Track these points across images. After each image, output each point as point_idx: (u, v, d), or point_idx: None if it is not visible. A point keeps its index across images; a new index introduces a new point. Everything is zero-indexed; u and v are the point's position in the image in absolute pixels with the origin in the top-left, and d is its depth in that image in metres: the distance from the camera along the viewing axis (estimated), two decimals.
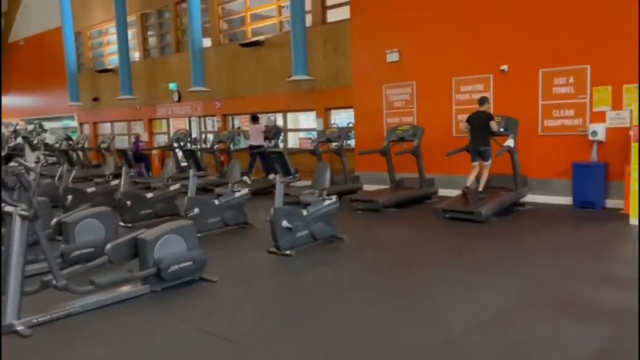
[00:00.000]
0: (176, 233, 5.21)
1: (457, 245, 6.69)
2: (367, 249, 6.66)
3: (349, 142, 13.71)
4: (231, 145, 13.22)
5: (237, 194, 7.89)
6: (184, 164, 14.57)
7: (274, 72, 13.85)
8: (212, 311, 4.55)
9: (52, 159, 18.55)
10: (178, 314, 4.46)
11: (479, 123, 8.43)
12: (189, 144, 14.90)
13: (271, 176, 11.86)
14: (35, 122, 23.22)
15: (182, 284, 5.17)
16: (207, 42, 15.69)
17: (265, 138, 12.46)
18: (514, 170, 8.64)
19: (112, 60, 19.11)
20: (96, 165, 17.97)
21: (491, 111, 8.95)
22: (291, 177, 6.31)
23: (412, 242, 6.94)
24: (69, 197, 9.44)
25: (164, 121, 17.85)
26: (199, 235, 7.36)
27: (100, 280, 4.61)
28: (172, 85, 16.55)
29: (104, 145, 17.52)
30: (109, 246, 4.97)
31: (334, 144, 11.42)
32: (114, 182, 10.13)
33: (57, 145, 18.85)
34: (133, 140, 17.34)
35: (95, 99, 19.83)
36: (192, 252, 5.25)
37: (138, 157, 16.47)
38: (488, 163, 8.47)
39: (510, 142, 8.38)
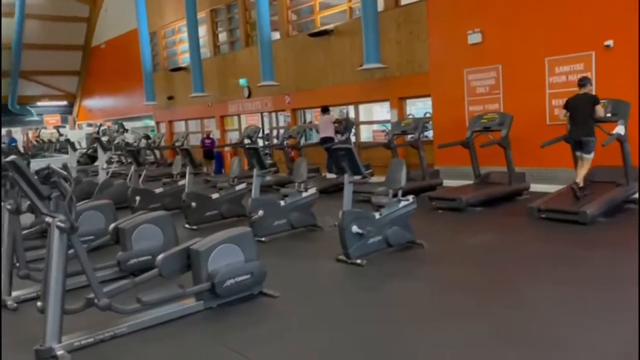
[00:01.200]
0: (233, 242, 4.65)
1: (560, 253, 5.65)
2: (449, 256, 5.80)
3: (426, 133, 12.77)
4: (301, 141, 12.67)
5: (304, 194, 7.26)
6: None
7: (344, 62, 13.13)
8: (269, 336, 3.93)
9: (131, 159, 19.03)
10: (230, 339, 3.87)
11: (581, 108, 7.24)
12: (259, 141, 14.56)
13: (330, 175, 11.15)
14: (117, 122, 24.11)
15: (240, 300, 4.60)
16: (276, 35, 15.25)
17: (336, 132, 11.77)
18: (624, 162, 7.37)
19: (184, 58, 19.21)
20: (171, 164, 18.15)
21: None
22: (360, 177, 5.57)
23: (503, 249, 5.98)
24: (137, 198, 9.26)
25: (236, 118, 17.66)
26: (263, 239, 6.92)
27: (147, 297, 4.13)
28: (242, 81, 16.29)
29: (178, 144, 17.72)
30: (159, 258, 4.49)
31: (409, 137, 10.55)
32: (182, 182, 9.88)
33: (135, 144, 19.33)
34: (203, 137, 17.33)
35: (170, 98, 20.07)
36: (251, 263, 4.66)
37: (208, 155, 16.44)
38: (589, 156, 7.25)
39: (620, 129, 7.14)
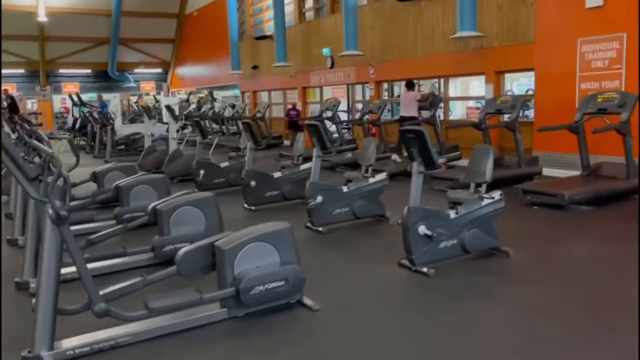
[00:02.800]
0: (266, 241, 3.84)
1: None
2: (542, 271, 4.61)
3: (527, 113, 11.20)
4: (381, 117, 11.59)
5: (372, 180, 6.30)
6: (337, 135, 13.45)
7: (435, 30, 11.75)
8: None
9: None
10: None
11: None
12: (341, 115, 13.65)
13: (394, 156, 10.02)
14: (209, 91, 24.24)
15: (272, 309, 3.82)
16: (362, 1, 14.11)
17: (421, 109, 10.56)
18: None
19: (270, 26, 18.57)
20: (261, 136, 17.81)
21: None
22: (432, 168, 4.51)
23: (615, 266, 4.69)
24: (202, 172, 8.78)
25: (318, 90, 16.85)
26: (320, 229, 6.09)
27: (155, 303, 3.46)
28: (325, 51, 15.37)
29: (259, 115, 17.28)
30: (179, 254, 3.81)
31: (506, 116, 9.15)
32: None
33: (219, 114, 19.19)
34: (288, 108, 16.74)
35: (255, 67, 19.64)
36: (287, 267, 3.84)
37: (292, 126, 15.85)
38: None
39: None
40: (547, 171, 8.84)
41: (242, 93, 21.47)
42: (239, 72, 20.14)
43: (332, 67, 15.35)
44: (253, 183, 7.41)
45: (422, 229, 4.54)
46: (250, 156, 7.62)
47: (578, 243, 5.47)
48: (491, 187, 4.93)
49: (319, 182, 6.21)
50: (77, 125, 18.84)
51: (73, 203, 6.84)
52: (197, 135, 9.37)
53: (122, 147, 16.14)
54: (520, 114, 10.14)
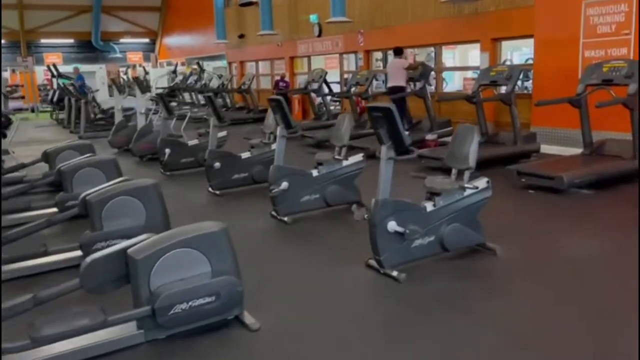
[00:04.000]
0: (194, 247, 3.11)
1: None
2: (534, 276, 3.89)
3: (526, 84, 10.38)
4: (369, 90, 10.76)
5: (345, 163, 5.55)
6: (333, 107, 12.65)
7: None
8: None
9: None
10: None
11: None
12: (326, 87, 12.80)
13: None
14: (195, 62, 23.26)
15: (203, 328, 3.12)
16: None
17: (410, 79, 9.73)
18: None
19: None
20: (239, 108, 17.00)
21: None
22: (404, 153, 3.73)
23: (623, 265, 3.97)
24: (167, 150, 8.02)
25: (306, 60, 15.94)
26: (285, 219, 5.37)
27: (43, 330, 2.75)
28: (312, 17, 14.41)
29: (244, 87, 16.42)
30: (83, 264, 3.09)
31: (503, 89, 8.35)
32: (222, 134, 8.49)
33: (207, 85, 18.28)
34: (276, 79, 15.87)
35: (241, 36, 18.65)
36: (219, 280, 3.11)
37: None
38: None
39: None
40: (545, 148, 8.09)
41: (229, 64, 20.52)
42: (225, 41, 19.16)
43: (319, 35, 14.42)
44: (217, 164, 6.65)
45: (392, 225, 3.81)
46: (214, 134, 6.83)
47: (578, 235, 4.75)
48: (483, 166, 4.20)
49: (284, 166, 5.45)
50: (55, 99, 17.98)
51: (10, 188, 6.13)
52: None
53: (102, 122, 15.34)
54: (519, 86, 9.37)
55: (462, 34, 10.22)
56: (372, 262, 3.98)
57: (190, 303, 3.00)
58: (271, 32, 15.71)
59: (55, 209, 5.56)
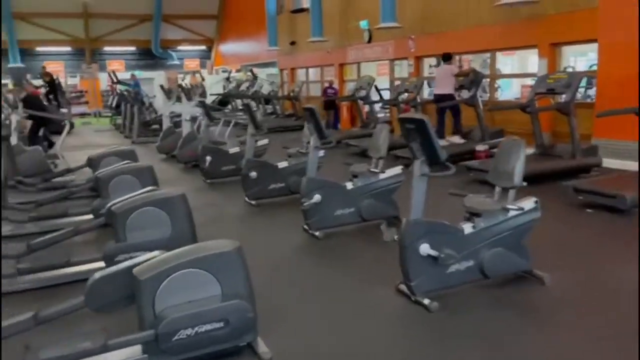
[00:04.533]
0: (204, 268, 2.91)
1: None
2: (588, 311, 3.44)
3: (589, 93, 9.70)
4: (418, 97, 10.36)
5: (382, 176, 5.24)
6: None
7: None
8: None
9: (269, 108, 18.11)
10: None
11: None
12: (375, 94, 12.49)
13: (453, 139, 8.78)
14: (248, 69, 23.49)
15: (213, 355, 2.91)
16: None
17: (461, 87, 9.27)
18: None
19: None
20: (289, 115, 16.94)
21: None
22: (441, 168, 3.40)
23: None
24: (208, 158, 7.95)
25: (355, 66, 15.67)
26: (317, 233, 5.12)
27: (40, 355, 2.61)
28: (362, 23, 14.14)
29: (293, 94, 16.35)
30: (89, 283, 2.95)
31: (562, 97, 7.75)
32: (263, 142, 8.37)
33: (259, 92, 18.38)
34: (325, 86, 15.70)
35: (292, 43, 18.62)
36: (229, 304, 2.89)
37: (328, 106, 14.88)
38: None
39: None
40: (608, 162, 7.45)
41: (281, 70, 20.54)
42: (277, 48, 19.20)
43: (369, 41, 14.13)
44: (254, 174, 6.50)
45: (425, 249, 3.48)
46: (251, 143, 6.69)
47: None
48: (537, 181, 3.80)
49: (317, 178, 5.21)
50: (113, 104, 18.59)
51: (52, 193, 6.21)
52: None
53: (157, 127, 15.67)
54: (581, 94, 8.74)
55: (518, 39, 9.66)
56: (403, 287, 3.66)
57: (196, 328, 2.79)
58: (321, 39, 15.57)
59: (91, 216, 5.57)
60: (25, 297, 3.88)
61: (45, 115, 9.71)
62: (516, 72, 12.42)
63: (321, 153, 5.80)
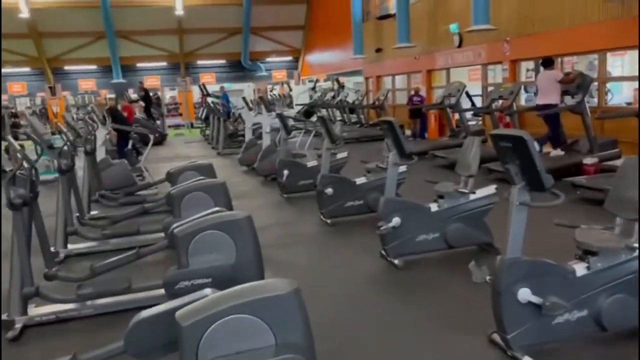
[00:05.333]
0: (254, 314, 2.49)
1: None
2: None
3: None
4: (513, 105, 9.44)
5: (472, 197, 4.59)
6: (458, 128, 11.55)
7: None
8: None
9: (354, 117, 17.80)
10: None
11: None
12: (465, 102, 11.68)
13: (553, 152, 7.76)
14: (333, 78, 23.33)
15: None
16: None
17: (565, 92, 8.27)
18: None
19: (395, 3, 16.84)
20: (373, 124, 16.43)
21: None
22: (550, 192, 2.75)
23: None
24: (285, 172, 7.65)
25: (444, 72, 14.85)
26: (396, 261, 4.57)
27: None
28: (452, 27, 13.33)
29: (377, 103, 15.81)
30: (130, 325, 2.64)
31: None
32: (342, 155, 7.91)
33: (344, 101, 18.08)
34: (411, 94, 15.04)
35: (378, 50, 18.10)
36: (284, 358, 2.45)
37: (414, 114, 14.23)
38: None
39: None
40: None
41: (366, 79, 20.08)
42: (362, 56, 18.79)
43: (459, 45, 13.28)
44: (329, 190, 6.07)
45: (525, 294, 2.85)
46: (327, 157, 6.27)
47: None
48: None
49: (397, 198, 4.67)
50: (203, 116, 19.11)
51: (127, 210, 6.16)
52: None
53: (243, 138, 15.82)
54: None
55: (631, 38, 8.47)
56: (497, 338, 3.03)
57: None
58: (408, 45, 14.92)
59: (162, 234, 5.42)
60: (84, 324, 3.72)
61: (127, 128, 9.91)
62: (626, 74, 11.05)
63: (402, 168, 5.27)
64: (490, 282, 2.93)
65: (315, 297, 4.07)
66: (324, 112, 20.12)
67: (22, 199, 3.53)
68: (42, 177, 7.68)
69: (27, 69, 26.90)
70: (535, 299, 2.82)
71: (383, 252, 4.69)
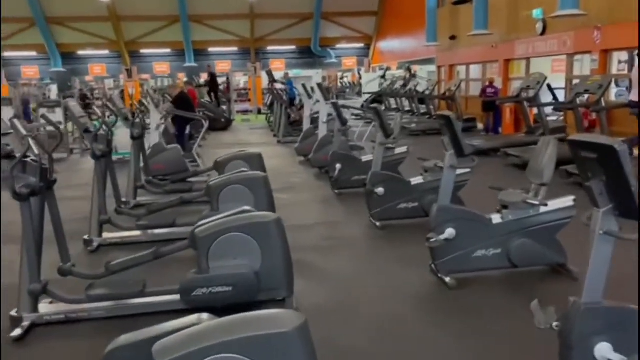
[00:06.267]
0: (244, 352, 1.98)
1: None
2: None
3: None
4: (602, 100, 8.33)
5: (544, 209, 3.85)
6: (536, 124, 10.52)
7: None
8: None
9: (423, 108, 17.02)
10: None
11: None
12: (545, 96, 10.59)
13: None
14: (405, 66, 22.44)
15: None
16: None
17: None
18: None
19: None
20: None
21: None
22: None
23: None
24: (338, 166, 7.12)
25: (523, 62, 13.65)
26: (447, 279, 3.93)
27: None
28: (536, 12, 12.15)
29: (448, 94, 14.87)
30: (107, 351, 2.22)
31: None
32: (401, 150, 7.23)
33: (413, 90, 17.23)
34: (485, 85, 14.01)
35: (452, 38, 17.03)
36: None
37: (487, 107, 13.23)
38: None
39: None
40: None
41: (438, 68, 19.05)
42: (436, 44, 17.81)
43: (543, 33, 12.09)
44: (380, 190, 5.47)
45: (604, 351, 2.17)
46: (379, 153, 5.67)
47: None
48: None
49: (453, 207, 4.01)
50: (268, 102, 18.91)
51: (166, 200, 5.87)
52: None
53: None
54: None
55: None
56: None
57: None
58: (485, 32, 13.86)
59: None
60: (95, 325, 3.42)
61: (181, 113, 9.72)
62: None
63: (464, 170, 4.59)
64: (557, 330, 2.28)
65: (349, 315, 3.57)
66: (392, 101, 19.46)
67: (29, 189, 3.19)
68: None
69: (106, 52, 27.92)
70: (617, 358, 2.15)
71: (433, 266, 4.07)
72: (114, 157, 8.96)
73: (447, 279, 3.89)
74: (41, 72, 26.57)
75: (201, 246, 3.58)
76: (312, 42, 27.99)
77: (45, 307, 3.54)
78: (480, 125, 14.19)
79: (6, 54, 27.31)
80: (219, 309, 2.88)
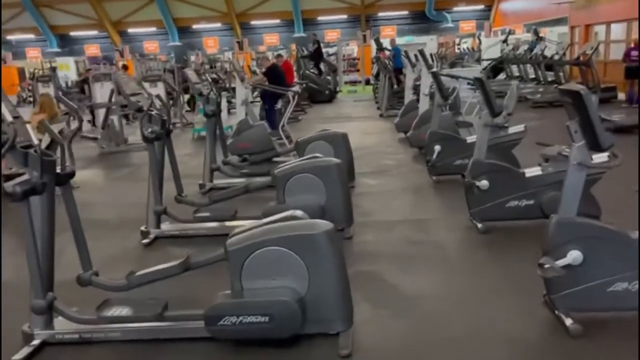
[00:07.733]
0: None
1: None
2: None
3: None
4: None
5: None
6: None
7: None
8: None
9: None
10: None
11: None
12: None
13: None
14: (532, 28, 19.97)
15: None
16: None
17: None
18: None
19: None
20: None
21: None
22: None
23: None
24: (436, 147, 6.00)
25: None
26: (568, 322, 2.73)
27: None
28: None
29: (582, 58, 12.68)
30: None
31: None
32: (517, 129, 5.86)
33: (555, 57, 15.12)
34: (629, 47, 11.75)
35: None
36: None
37: (631, 73, 11.10)
38: None
39: None
40: None
41: (572, 28, 16.56)
42: (569, 1, 15.40)
43: None
44: (484, 183, 4.32)
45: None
46: (484, 136, 4.48)
47: None
48: None
49: (579, 219, 2.81)
50: (375, 72, 17.79)
51: (230, 190, 5.21)
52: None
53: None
54: None
55: None
56: None
57: None
58: None
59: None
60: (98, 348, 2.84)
61: (263, 86, 9.07)
62: None
63: (601, 158, 3.33)
64: None
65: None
66: (514, 69, 17.36)
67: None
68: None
69: (218, 25, 28.31)
70: None
71: (548, 299, 2.95)
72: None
73: (568, 322, 2.76)
74: (160, 47, 27.67)
75: (234, 262, 2.82)
76: (426, 5, 25.99)
77: (59, 323, 3.02)
78: (621, 95, 11.97)
79: (130, 30, 28.91)
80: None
